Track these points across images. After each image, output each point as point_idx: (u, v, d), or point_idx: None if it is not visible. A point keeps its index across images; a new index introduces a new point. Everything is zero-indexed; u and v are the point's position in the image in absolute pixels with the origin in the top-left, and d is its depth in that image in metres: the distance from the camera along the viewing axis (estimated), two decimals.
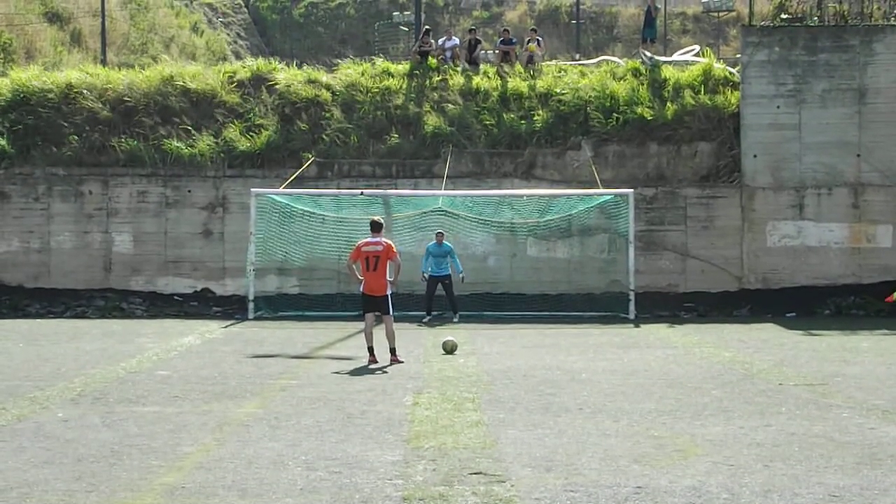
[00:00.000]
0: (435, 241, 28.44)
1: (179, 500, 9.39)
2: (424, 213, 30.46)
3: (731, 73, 32.98)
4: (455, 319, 28.16)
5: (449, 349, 20.51)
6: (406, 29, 56.23)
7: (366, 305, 19.33)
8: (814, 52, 30.96)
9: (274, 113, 32.51)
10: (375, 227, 19.37)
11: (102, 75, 34.07)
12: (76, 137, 31.81)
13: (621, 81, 32.97)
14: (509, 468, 10.60)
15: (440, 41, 35.87)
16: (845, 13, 32.00)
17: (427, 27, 39.04)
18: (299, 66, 35.66)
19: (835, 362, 19.35)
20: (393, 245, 19.47)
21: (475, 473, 10.35)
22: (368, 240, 19.35)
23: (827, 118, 30.74)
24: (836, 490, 9.73)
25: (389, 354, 19.05)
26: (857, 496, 9.52)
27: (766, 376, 17.39)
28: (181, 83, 33.22)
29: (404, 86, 33.36)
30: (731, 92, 32.00)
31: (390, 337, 19.07)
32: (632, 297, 29.01)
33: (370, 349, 18.94)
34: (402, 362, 18.93)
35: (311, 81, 33.51)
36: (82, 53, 48.02)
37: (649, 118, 31.51)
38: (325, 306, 29.61)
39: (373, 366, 18.54)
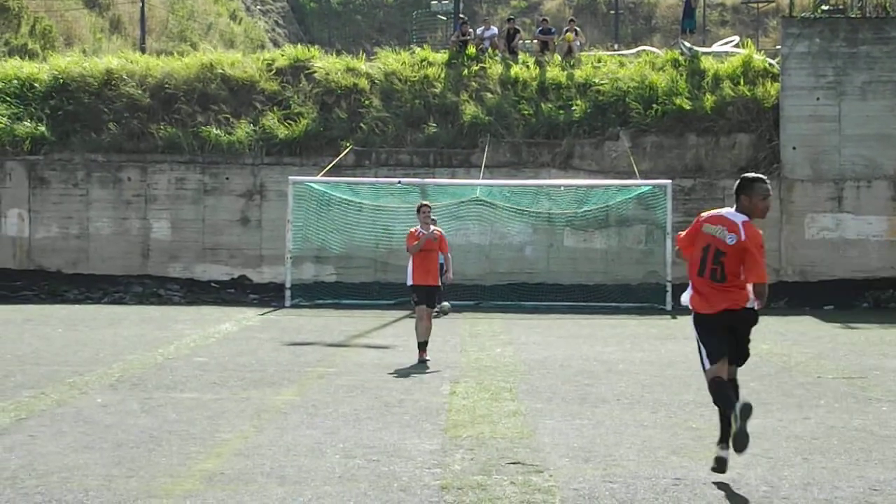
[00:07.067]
0: None
1: (218, 487, 9.42)
2: (462, 202, 30.45)
3: (770, 64, 32.78)
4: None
5: None
6: (444, 18, 56.17)
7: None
8: (854, 43, 30.71)
9: (312, 101, 32.57)
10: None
11: (142, 62, 34.24)
12: (115, 124, 31.98)
13: (660, 72, 32.85)
14: (547, 458, 10.58)
15: (478, 30, 35.86)
16: (887, 5, 31.78)
17: (463, 17, 39.00)
18: (338, 55, 35.70)
19: (873, 356, 19.22)
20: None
21: (513, 463, 10.33)
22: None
23: (867, 111, 30.51)
24: (876, 484, 9.66)
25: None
26: None
27: (804, 369, 17.30)
28: (220, 70, 33.36)
29: (443, 75, 33.34)
30: (771, 83, 31.82)
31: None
32: (669, 288, 28.89)
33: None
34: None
35: (349, 69, 33.55)
36: (121, 40, 48.28)
37: (688, 109, 31.37)
38: (362, 295, 29.66)
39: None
